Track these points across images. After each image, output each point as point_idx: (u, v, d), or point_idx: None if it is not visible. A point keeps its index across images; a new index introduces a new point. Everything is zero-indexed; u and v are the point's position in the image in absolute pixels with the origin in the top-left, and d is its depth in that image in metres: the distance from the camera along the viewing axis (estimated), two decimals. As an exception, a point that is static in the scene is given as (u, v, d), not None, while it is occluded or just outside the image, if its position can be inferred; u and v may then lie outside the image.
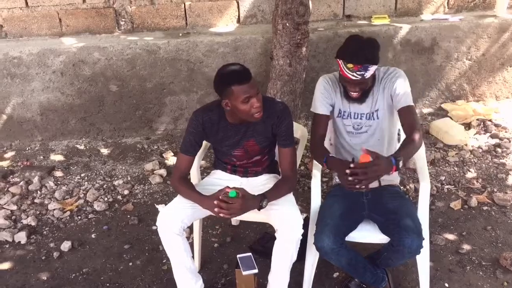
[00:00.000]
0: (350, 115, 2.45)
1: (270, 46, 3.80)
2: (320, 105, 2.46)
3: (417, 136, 2.27)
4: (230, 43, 4.14)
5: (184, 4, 4.36)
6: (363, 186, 2.09)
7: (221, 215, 2.15)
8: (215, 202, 2.14)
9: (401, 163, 2.13)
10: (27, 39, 4.23)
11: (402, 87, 2.36)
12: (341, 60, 2.25)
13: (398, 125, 2.55)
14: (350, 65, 2.21)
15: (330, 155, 2.35)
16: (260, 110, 2.19)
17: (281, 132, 2.35)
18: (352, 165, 2.09)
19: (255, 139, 2.38)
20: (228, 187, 2.18)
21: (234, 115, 2.28)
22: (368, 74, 2.24)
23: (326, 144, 2.55)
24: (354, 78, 2.24)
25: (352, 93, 2.34)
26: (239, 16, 4.49)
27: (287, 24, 3.49)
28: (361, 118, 2.44)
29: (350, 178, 2.07)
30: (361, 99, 2.38)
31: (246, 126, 2.33)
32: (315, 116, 2.50)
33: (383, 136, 2.49)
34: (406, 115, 2.35)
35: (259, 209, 2.21)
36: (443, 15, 4.72)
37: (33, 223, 3.17)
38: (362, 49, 2.21)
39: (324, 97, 2.45)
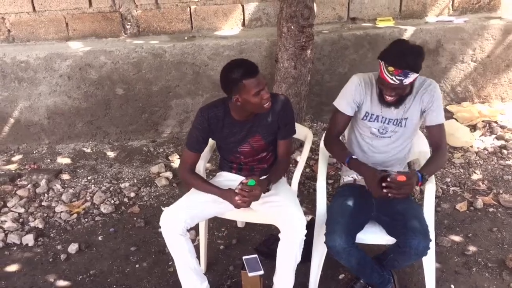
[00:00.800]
0: (378, 119, 2.43)
1: (275, 49, 3.81)
2: (345, 104, 2.45)
3: (443, 156, 2.40)
4: (235, 46, 4.16)
5: (190, 8, 4.39)
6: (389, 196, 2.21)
7: (243, 204, 2.26)
8: (237, 191, 2.25)
9: (426, 180, 2.27)
10: (34, 43, 4.26)
11: (437, 105, 2.37)
12: (382, 62, 2.21)
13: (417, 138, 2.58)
14: (391, 68, 2.17)
15: (354, 157, 2.39)
16: (270, 100, 2.26)
17: (284, 124, 2.43)
18: (389, 179, 2.19)
19: (261, 134, 2.40)
20: (245, 178, 2.29)
21: (240, 111, 2.31)
22: (407, 81, 2.19)
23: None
24: (392, 82, 2.19)
25: (388, 97, 2.29)
26: (244, 19, 4.51)
27: (292, 27, 3.50)
28: (388, 123, 2.42)
29: (384, 191, 2.19)
30: (396, 105, 2.34)
31: (251, 122, 2.36)
32: (337, 112, 2.48)
33: (403, 143, 2.49)
34: (436, 133, 2.39)
35: (265, 192, 2.32)
36: (447, 17, 4.72)
37: (40, 226, 3.20)
38: (405, 55, 2.17)
39: (353, 97, 2.43)
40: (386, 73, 2.19)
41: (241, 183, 2.27)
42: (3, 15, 4.16)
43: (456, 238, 2.97)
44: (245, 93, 2.20)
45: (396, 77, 2.17)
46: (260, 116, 2.37)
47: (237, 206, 2.28)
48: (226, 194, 2.31)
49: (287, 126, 2.45)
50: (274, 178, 2.44)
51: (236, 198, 2.25)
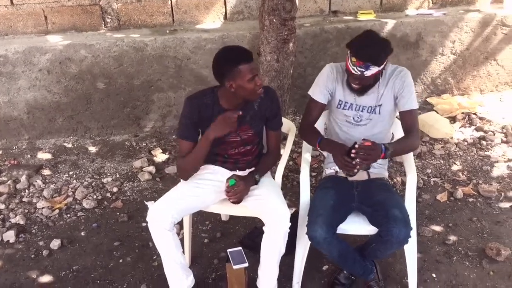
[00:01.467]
0: (352, 107, 2.46)
1: (257, 42, 3.81)
2: (318, 92, 2.49)
3: (413, 140, 2.40)
4: (217, 39, 4.15)
5: (171, 1, 4.36)
6: (357, 169, 2.23)
7: (235, 203, 2.33)
8: (224, 193, 2.30)
9: (389, 153, 2.26)
10: (13, 37, 4.19)
11: (408, 90, 2.39)
12: (349, 51, 2.26)
13: (395, 125, 2.59)
14: (353, 59, 2.22)
15: (325, 137, 2.44)
16: (261, 85, 2.28)
17: (273, 115, 2.45)
18: (357, 146, 2.21)
19: (249, 125, 2.40)
20: (227, 179, 2.30)
21: (232, 98, 2.30)
22: (368, 73, 2.22)
23: (321, 130, 2.62)
24: (354, 72, 2.24)
25: (352, 84, 2.35)
26: (226, 12, 4.50)
27: (274, 20, 3.50)
28: (362, 111, 2.45)
29: (353, 155, 2.20)
30: (361, 92, 2.38)
31: (240, 111, 2.33)
32: (311, 100, 2.52)
33: (380, 131, 2.51)
34: (408, 118, 2.41)
35: (256, 183, 2.39)
36: (427, 10, 4.77)
37: (21, 222, 3.16)
38: (368, 47, 2.20)
39: (325, 85, 2.47)
40: (350, 62, 2.25)
41: (226, 185, 2.31)
42: (-21, 8, 4.09)
43: (437, 228, 3.02)
44: (239, 78, 2.19)
45: (358, 68, 2.22)
46: (249, 106, 2.37)
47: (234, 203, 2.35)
48: (210, 132, 2.27)
49: (277, 117, 2.48)
50: (261, 170, 2.46)
51: (228, 199, 2.32)
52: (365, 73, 2.22)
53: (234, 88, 2.23)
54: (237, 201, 2.33)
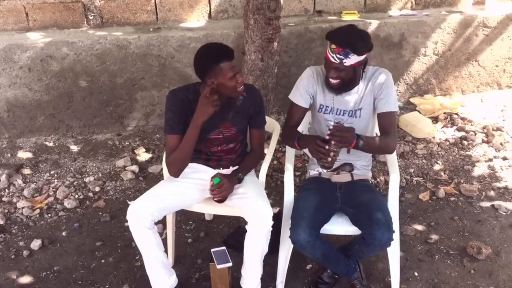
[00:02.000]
0: (333, 111, 2.43)
1: (242, 41, 3.80)
2: (299, 96, 2.46)
3: (388, 141, 2.35)
4: (201, 38, 4.13)
5: (155, -2, 4.33)
6: (331, 157, 2.17)
7: (219, 201, 2.32)
8: (209, 192, 2.30)
9: (361, 143, 2.22)
10: (-8, 33, 4.12)
11: (387, 92, 2.35)
12: (328, 41, 2.24)
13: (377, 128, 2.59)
14: (333, 46, 2.20)
15: (302, 134, 2.42)
16: (242, 83, 2.28)
17: (256, 113, 2.45)
18: (331, 127, 2.18)
19: (231, 122, 2.39)
20: (211, 178, 2.30)
21: None
22: (347, 62, 2.20)
23: (305, 130, 2.62)
24: (333, 60, 2.21)
25: (331, 80, 2.29)
26: (210, 11, 4.48)
27: (259, 19, 3.50)
28: (343, 115, 2.42)
29: (328, 137, 2.15)
30: (339, 90, 2.34)
31: (222, 108, 2.32)
32: (292, 104, 2.49)
33: (362, 134, 2.50)
34: (385, 120, 2.38)
35: (240, 182, 2.40)
36: (410, 11, 4.81)
37: (1, 222, 3.10)
38: (349, 34, 2.21)
39: (305, 89, 2.44)
40: (329, 51, 2.22)
41: (210, 184, 2.30)
42: (-42, 4, 4.00)
43: (419, 227, 3.05)
44: (221, 76, 2.19)
45: (337, 55, 2.19)
46: (231, 104, 2.36)
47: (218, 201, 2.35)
48: (192, 125, 2.28)
49: (260, 115, 2.47)
50: (245, 169, 2.47)
51: (212, 198, 2.32)
52: (344, 61, 2.19)
53: (215, 85, 2.22)
54: (221, 200, 2.32)
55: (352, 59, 2.20)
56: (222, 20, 4.51)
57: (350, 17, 4.54)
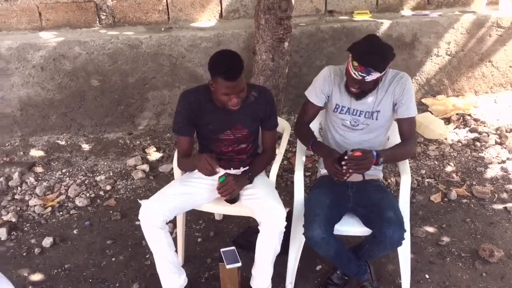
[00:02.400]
0: (349, 111, 2.43)
1: (253, 41, 3.80)
2: (314, 94, 2.47)
3: (409, 147, 2.40)
4: (212, 38, 4.13)
5: (166, -2, 4.34)
6: (347, 176, 2.25)
7: (226, 197, 2.29)
8: (217, 189, 2.29)
9: (380, 160, 2.27)
10: (6, 33, 4.15)
11: (408, 97, 2.36)
12: (350, 55, 2.23)
13: (391, 131, 2.58)
14: (355, 63, 2.18)
15: (318, 140, 2.44)
16: (237, 105, 2.24)
17: (268, 116, 2.44)
18: (346, 157, 2.21)
19: (242, 124, 2.39)
20: (219, 177, 2.29)
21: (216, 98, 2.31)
22: (369, 78, 2.20)
23: (315, 130, 2.62)
24: (355, 77, 2.21)
25: (352, 88, 2.31)
26: (221, 10, 4.48)
27: (270, 19, 3.49)
28: (359, 116, 2.42)
29: (344, 167, 2.21)
30: (359, 96, 2.35)
31: (233, 110, 2.31)
32: (307, 101, 2.51)
33: (376, 136, 2.49)
34: (405, 125, 2.40)
35: (251, 182, 2.39)
36: (423, 11, 4.77)
37: (13, 219, 3.13)
38: (371, 53, 2.16)
39: (321, 88, 2.45)
40: (351, 66, 2.22)
41: (218, 183, 2.31)
42: (-27, 3, 4.05)
43: (431, 229, 3.02)
44: (217, 88, 2.20)
45: (359, 72, 2.19)
46: (243, 106, 2.33)
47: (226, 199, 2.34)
48: (196, 158, 2.33)
49: (271, 118, 2.46)
50: (256, 169, 2.47)
51: (223, 198, 2.31)
52: (366, 78, 2.19)
53: (213, 89, 2.25)
54: (228, 198, 2.31)
55: (374, 76, 2.20)
56: (233, 20, 4.51)
57: (361, 17, 4.52)
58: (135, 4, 4.31)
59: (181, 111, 2.36)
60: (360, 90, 2.30)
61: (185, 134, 2.40)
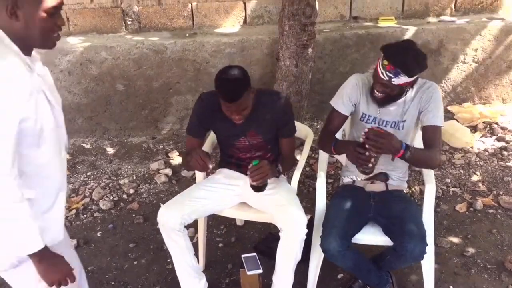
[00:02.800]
0: (375, 120, 2.39)
1: (277, 47, 3.80)
2: (341, 103, 2.41)
3: (433, 154, 2.29)
4: (236, 43, 4.15)
5: (191, 4, 4.38)
6: (371, 163, 2.15)
7: (259, 181, 2.18)
8: (248, 176, 2.18)
9: (407, 155, 2.17)
10: None
11: (435, 105, 2.30)
12: (382, 54, 2.18)
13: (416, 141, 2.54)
14: (385, 62, 2.13)
15: (339, 139, 2.40)
16: (240, 120, 2.24)
17: (284, 124, 2.39)
18: (367, 129, 2.14)
19: (256, 131, 2.37)
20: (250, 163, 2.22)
21: None
22: (396, 81, 2.14)
23: (339, 137, 2.59)
24: (382, 76, 2.15)
25: (376, 92, 2.26)
26: (245, 17, 4.50)
27: (294, 25, 3.50)
28: (385, 126, 2.37)
29: (361, 140, 2.13)
30: (382, 103, 2.30)
31: (247, 116, 2.29)
32: (333, 111, 2.45)
33: None
34: (430, 133, 2.31)
35: (278, 176, 2.40)
36: (449, 17, 4.71)
37: (39, 221, 3.19)
38: (404, 54, 2.12)
39: (348, 97, 2.39)
40: (380, 66, 2.16)
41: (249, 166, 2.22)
42: None
43: (456, 239, 2.97)
44: (221, 103, 2.20)
45: (387, 72, 2.13)
46: (256, 113, 2.30)
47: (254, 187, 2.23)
48: (189, 154, 2.26)
49: (288, 126, 2.41)
50: (283, 167, 2.42)
51: (250, 181, 2.19)
52: (393, 80, 2.14)
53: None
54: (260, 183, 2.20)
55: (402, 79, 2.14)
56: (257, 25, 4.52)
57: (386, 23, 4.48)
58: (161, 10, 4.36)
59: (195, 112, 2.38)
60: (384, 94, 2.23)
61: (194, 135, 2.41)
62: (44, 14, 1.47)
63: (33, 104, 1.46)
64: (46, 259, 1.55)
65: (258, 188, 2.21)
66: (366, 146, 2.13)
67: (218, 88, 2.15)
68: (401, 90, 2.23)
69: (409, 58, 2.12)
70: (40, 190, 1.58)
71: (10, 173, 1.43)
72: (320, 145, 2.57)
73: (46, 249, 1.54)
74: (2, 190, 1.43)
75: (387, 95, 2.25)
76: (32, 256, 1.53)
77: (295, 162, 2.58)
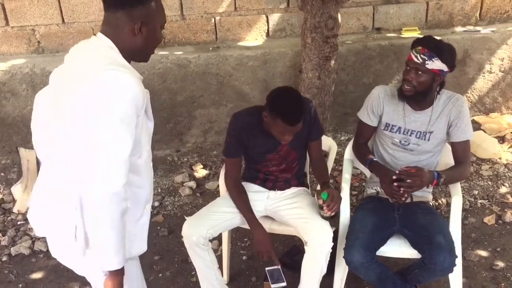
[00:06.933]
0: (400, 130, 2.41)
1: (299, 59, 3.81)
2: (366, 115, 2.49)
3: (464, 170, 2.38)
4: (259, 56, 4.18)
5: (214, 19, 4.43)
6: (405, 197, 2.24)
7: (333, 212, 2.22)
8: (322, 205, 2.20)
9: (442, 181, 2.24)
10: (63, 54, 4.31)
11: (464, 121, 2.34)
12: (413, 48, 2.26)
13: (442, 154, 2.53)
14: (419, 47, 2.22)
15: (375, 159, 2.43)
16: (288, 141, 2.26)
17: (313, 128, 2.42)
18: (398, 171, 2.21)
19: (289, 145, 2.38)
20: (318, 191, 2.26)
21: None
22: (429, 65, 2.18)
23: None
24: (416, 60, 2.20)
25: (405, 85, 2.27)
26: (268, 30, 4.53)
27: (316, 38, 3.50)
28: (411, 135, 2.39)
29: (395, 184, 2.20)
30: (409, 99, 2.32)
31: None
32: (360, 122, 2.54)
33: (426, 158, 2.44)
34: (461, 149, 2.37)
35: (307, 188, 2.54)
36: (474, 27, 4.65)
37: (66, 233, 3.24)
38: (438, 41, 2.25)
39: (372, 108, 2.46)
40: (413, 51, 2.23)
41: (318, 201, 2.25)
42: (33, 27, 4.27)
43: (484, 253, 2.90)
44: (272, 123, 2.19)
45: (421, 55, 2.19)
46: None
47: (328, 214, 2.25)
48: (256, 230, 2.34)
49: (314, 129, 2.43)
50: (325, 178, 2.44)
51: (323, 213, 2.23)
52: (427, 62, 2.18)
53: (266, 121, 2.23)
54: (335, 210, 2.23)
55: (435, 64, 2.19)
56: (280, 38, 4.55)
57: (410, 34, 4.44)
58: (185, 25, 4.43)
59: (232, 134, 2.38)
60: (412, 86, 2.24)
61: (235, 156, 2.43)
62: (159, 28, 1.56)
63: (142, 115, 1.52)
64: (118, 278, 1.55)
65: (331, 216, 2.26)
66: (398, 185, 2.21)
67: (280, 109, 2.14)
68: (429, 86, 2.26)
69: (443, 44, 2.24)
70: (132, 200, 1.57)
71: (123, 180, 1.43)
72: (356, 154, 2.63)
73: (123, 268, 1.55)
74: (114, 200, 1.43)
75: (415, 88, 2.26)
76: (111, 271, 1.53)
77: (326, 166, 2.56)
